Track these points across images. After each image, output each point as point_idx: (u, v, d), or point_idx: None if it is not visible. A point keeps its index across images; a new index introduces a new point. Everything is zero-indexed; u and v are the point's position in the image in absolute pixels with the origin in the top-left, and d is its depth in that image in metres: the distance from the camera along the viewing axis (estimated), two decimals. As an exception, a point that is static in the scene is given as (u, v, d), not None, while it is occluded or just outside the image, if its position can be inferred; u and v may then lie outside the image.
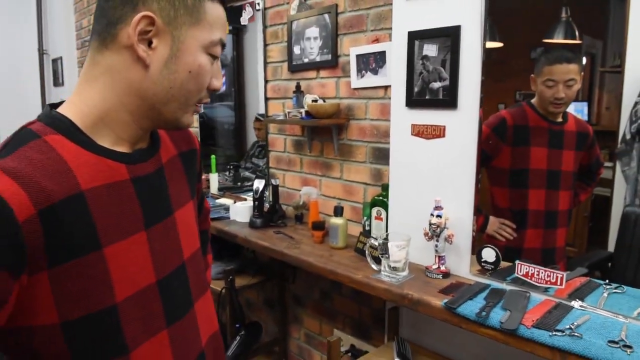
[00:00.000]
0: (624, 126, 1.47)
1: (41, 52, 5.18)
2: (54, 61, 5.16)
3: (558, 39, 1.63)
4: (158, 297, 0.81)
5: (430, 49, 1.62)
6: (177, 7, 0.74)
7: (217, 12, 0.79)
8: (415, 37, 1.66)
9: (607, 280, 1.49)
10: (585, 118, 1.63)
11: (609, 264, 1.56)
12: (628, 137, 1.46)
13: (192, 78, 0.77)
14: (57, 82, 5.16)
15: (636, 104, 1.43)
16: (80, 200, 0.70)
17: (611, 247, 1.52)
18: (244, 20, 2.57)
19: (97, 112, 0.76)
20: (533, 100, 1.66)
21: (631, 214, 1.54)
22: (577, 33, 1.59)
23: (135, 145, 0.81)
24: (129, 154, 0.79)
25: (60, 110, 0.76)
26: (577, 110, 1.66)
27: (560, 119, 1.66)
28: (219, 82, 0.82)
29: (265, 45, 2.49)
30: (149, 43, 0.74)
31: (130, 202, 0.77)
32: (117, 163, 0.76)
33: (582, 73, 1.57)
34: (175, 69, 0.76)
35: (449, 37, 1.56)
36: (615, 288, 1.45)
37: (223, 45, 0.81)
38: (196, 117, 3.12)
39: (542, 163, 1.70)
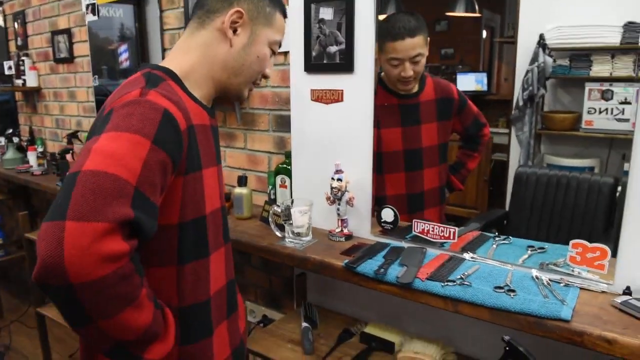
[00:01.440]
0: (517, 93, 1.54)
1: None
2: None
3: (459, 12, 1.67)
4: (221, 219, 1.08)
5: (326, 12, 1.61)
6: (260, 10, 1.06)
7: (282, 22, 1.12)
8: (311, 1, 1.63)
9: (496, 233, 1.58)
10: (485, 89, 1.66)
11: (505, 222, 1.66)
12: (521, 103, 1.55)
13: (258, 62, 1.08)
14: None
15: (527, 72, 1.50)
16: (193, 130, 0.94)
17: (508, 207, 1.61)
18: (135, -16, 2.42)
19: (192, 72, 1.02)
20: (383, 75, 1.58)
21: (522, 174, 1.63)
22: (476, 7, 1.64)
23: (208, 104, 1.07)
24: (207, 107, 1.06)
25: (165, 65, 1.00)
26: (478, 81, 1.71)
27: (415, 89, 1.58)
28: (270, 71, 1.14)
29: (162, 11, 2.36)
30: (234, 30, 1.04)
31: (210, 141, 1.04)
32: (204, 112, 1.03)
33: (429, 39, 1.50)
34: (249, 52, 1.06)
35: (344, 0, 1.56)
36: (504, 240, 1.54)
37: (279, 46, 1.14)
38: (92, 92, 2.94)
39: (396, 144, 1.60)
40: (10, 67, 3.58)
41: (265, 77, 1.14)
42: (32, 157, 3.14)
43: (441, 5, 1.67)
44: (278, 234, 1.66)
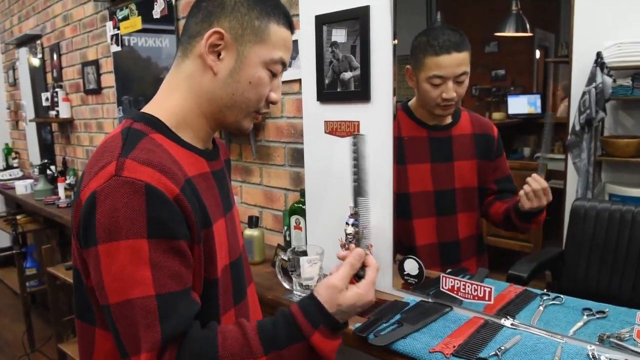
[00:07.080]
0: (573, 117, 1.39)
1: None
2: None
3: (510, 32, 1.53)
4: (230, 278, 0.93)
5: (339, 34, 1.42)
6: (245, 27, 0.86)
7: (281, 34, 0.89)
8: (323, 22, 1.45)
9: (544, 291, 1.32)
10: (539, 111, 1.50)
11: (560, 263, 1.41)
12: (577, 128, 1.39)
13: (251, 88, 0.88)
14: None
15: (584, 94, 1.34)
16: (192, 184, 0.82)
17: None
18: (155, 13, 2.33)
19: (180, 113, 0.88)
20: (410, 103, 1.37)
21: (580, 209, 1.41)
22: (528, 26, 1.49)
23: (205, 145, 0.94)
24: (205, 150, 0.93)
25: (149, 112, 0.87)
26: (530, 104, 1.56)
27: (448, 120, 1.38)
28: (277, 96, 0.93)
29: (178, 39, 2.26)
30: (219, 55, 0.86)
31: (213, 191, 0.91)
32: (201, 158, 0.90)
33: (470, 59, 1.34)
34: (238, 78, 0.87)
35: (358, 19, 1.36)
36: (554, 299, 1.27)
37: (283, 64, 0.91)
38: (117, 123, 2.86)
39: (425, 183, 1.38)
40: (47, 99, 3.61)
41: (272, 102, 0.94)
42: (61, 188, 3.10)
43: (490, 26, 1.52)
44: (286, 285, 1.46)
